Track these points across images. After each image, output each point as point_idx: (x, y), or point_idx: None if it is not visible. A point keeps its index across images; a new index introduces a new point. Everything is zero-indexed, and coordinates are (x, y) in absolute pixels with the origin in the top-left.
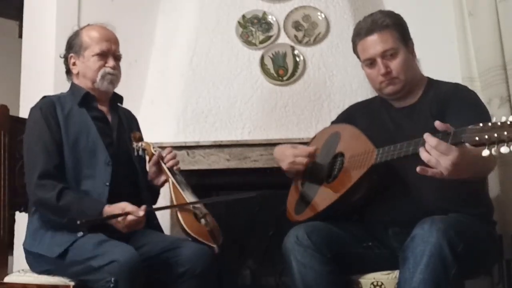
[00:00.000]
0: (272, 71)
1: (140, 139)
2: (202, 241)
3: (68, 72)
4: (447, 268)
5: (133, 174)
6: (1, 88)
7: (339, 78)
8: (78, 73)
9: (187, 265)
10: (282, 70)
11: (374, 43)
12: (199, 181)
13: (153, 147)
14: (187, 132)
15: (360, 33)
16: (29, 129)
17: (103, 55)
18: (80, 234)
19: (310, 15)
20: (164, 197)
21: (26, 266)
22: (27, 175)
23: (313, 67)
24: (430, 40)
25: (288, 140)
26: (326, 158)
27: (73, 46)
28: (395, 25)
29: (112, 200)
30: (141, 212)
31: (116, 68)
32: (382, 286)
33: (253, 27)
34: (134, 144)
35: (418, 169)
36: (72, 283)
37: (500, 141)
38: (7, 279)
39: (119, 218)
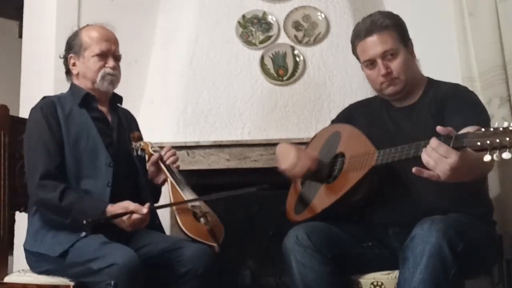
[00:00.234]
0: (272, 71)
1: (139, 138)
2: (201, 241)
3: (68, 72)
4: (447, 268)
5: (133, 174)
6: (1, 88)
7: (339, 78)
8: (78, 74)
9: (189, 265)
10: (282, 70)
11: (374, 44)
12: (199, 181)
13: (152, 147)
14: (187, 132)
15: (360, 34)
16: (30, 129)
17: (103, 56)
18: (83, 234)
19: (310, 15)
20: (165, 196)
21: (26, 266)
22: (28, 175)
23: (313, 67)
24: (430, 40)
25: (288, 140)
26: (327, 158)
27: (72, 46)
28: (394, 26)
29: (113, 200)
30: (144, 209)
31: (116, 68)
32: (382, 286)
33: (253, 27)
34: (133, 144)
35: (414, 169)
36: (72, 283)
37: (502, 147)
38: (7, 279)
39: (124, 217)
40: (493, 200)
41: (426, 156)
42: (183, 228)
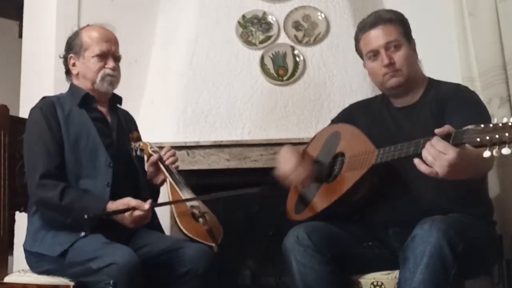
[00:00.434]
0: (272, 71)
1: (138, 139)
2: (200, 241)
3: (68, 72)
4: (447, 268)
5: (132, 174)
6: (1, 88)
7: (339, 78)
8: (77, 74)
9: (189, 265)
10: (282, 70)
11: (378, 36)
12: (199, 181)
13: (151, 147)
14: (187, 132)
15: (364, 27)
16: (29, 129)
17: (103, 56)
18: (82, 234)
19: (310, 15)
20: (164, 197)
21: (26, 266)
22: (28, 175)
23: (313, 67)
24: (430, 40)
25: (288, 140)
26: (326, 157)
27: (73, 46)
28: (399, 21)
29: (113, 200)
30: (146, 205)
31: (116, 69)
32: (382, 286)
33: (253, 27)
34: (133, 144)
35: (415, 160)
36: (72, 283)
37: (502, 143)
38: (7, 279)
39: (126, 214)
40: (493, 200)
41: (425, 152)
42: (182, 228)
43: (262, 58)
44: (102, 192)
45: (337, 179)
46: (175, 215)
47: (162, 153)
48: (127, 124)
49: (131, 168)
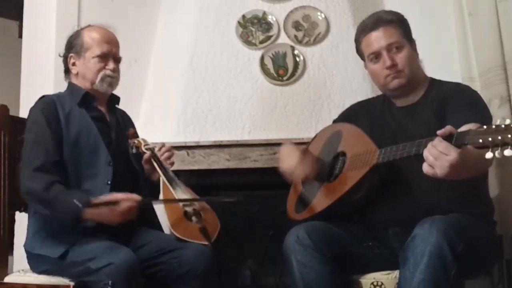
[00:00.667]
0: (272, 71)
1: (134, 135)
2: (189, 241)
3: (66, 71)
4: (447, 268)
5: (131, 172)
6: (1, 88)
7: (339, 78)
8: (77, 74)
9: (189, 265)
10: (282, 70)
11: (379, 37)
12: (199, 181)
13: (145, 144)
14: (187, 132)
15: (365, 28)
16: (29, 127)
17: (103, 57)
18: (88, 223)
19: (310, 15)
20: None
21: (26, 266)
22: (22, 169)
23: (313, 67)
24: (430, 40)
25: (288, 140)
26: (328, 157)
27: (73, 46)
28: (399, 22)
29: None
30: (132, 200)
31: (116, 70)
32: (382, 286)
33: (253, 27)
34: (129, 141)
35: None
36: (72, 283)
37: (504, 144)
38: (7, 279)
39: (112, 206)
40: (493, 200)
41: (426, 152)
42: (172, 231)
43: (262, 58)
44: (102, 190)
45: (338, 178)
46: (166, 216)
47: (156, 149)
48: (125, 124)
49: (130, 166)
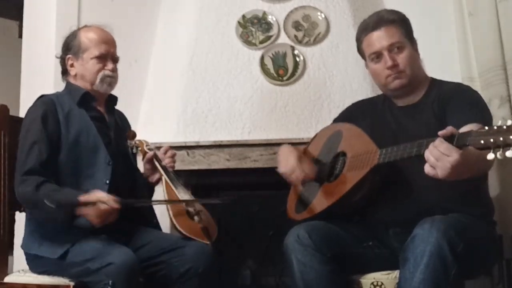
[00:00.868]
0: (272, 71)
1: (134, 136)
2: (194, 239)
3: (64, 72)
4: (447, 268)
5: (130, 172)
6: (1, 88)
7: (339, 78)
8: (75, 75)
9: (189, 264)
10: (282, 70)
11: (381, 37)
12: (199, 181)
13: (147, 145)
14: (187, 132)
15: (366, 28)
16: (26, 127)
17: (102, 58)
18: (82, 223)
19: (310, 15)
20: (160, 194)
21: (26, 266)
22: (15, 173)
23: (313, 67)
24: (430, 40)
25: (288, 140)
26: (328, 157)
27: (71, 47)
28: (401, 21)
29: None
30: (114, 202)
31: (115, 70)
32: (382, 286)
33: (253, 27)
34: (129, 142)
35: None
36: (72, 283)
37: (506, 145)
38: (7, 279)
39: (91, 206)
40: (493, 200)
41: (428, 153)
42: (177, 226)
43: (262, 58)
44: (101, 189)
45: (339, 178)
46: (170, 214)
47: (161, 152)
48: (123, 124)
49: (128, 166)
